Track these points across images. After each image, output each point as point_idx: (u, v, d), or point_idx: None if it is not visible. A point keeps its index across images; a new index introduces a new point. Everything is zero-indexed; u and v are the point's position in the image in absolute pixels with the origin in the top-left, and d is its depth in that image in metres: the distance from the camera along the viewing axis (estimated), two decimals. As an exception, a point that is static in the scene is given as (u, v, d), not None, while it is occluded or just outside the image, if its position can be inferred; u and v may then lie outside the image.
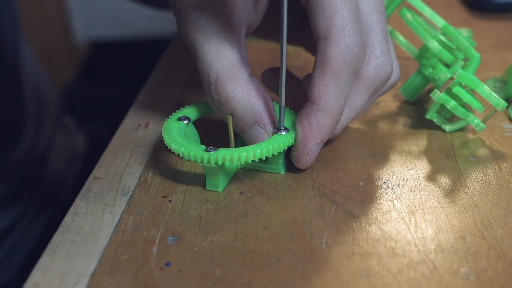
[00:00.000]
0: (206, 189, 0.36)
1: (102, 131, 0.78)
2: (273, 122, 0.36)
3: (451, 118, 0.43)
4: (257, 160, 0.35)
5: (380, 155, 0.39)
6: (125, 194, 0.36)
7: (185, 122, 0.38)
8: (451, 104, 0.39)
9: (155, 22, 1.55)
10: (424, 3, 0.44)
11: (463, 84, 0.40)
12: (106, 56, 1.57)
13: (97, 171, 0.38)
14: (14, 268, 0.59)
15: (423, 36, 0.42)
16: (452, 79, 0.39)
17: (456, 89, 0.39)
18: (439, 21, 0.43)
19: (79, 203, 0.35)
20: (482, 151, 0.40)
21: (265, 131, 0.36)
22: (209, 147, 0.35)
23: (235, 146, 0.36)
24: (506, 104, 0.39)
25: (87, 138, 0.77)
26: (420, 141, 0.41)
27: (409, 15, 0.43)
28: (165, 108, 0.46)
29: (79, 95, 1.03)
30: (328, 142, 0.40)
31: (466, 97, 0.39)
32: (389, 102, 0.46)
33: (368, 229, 0.33)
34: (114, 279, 0.30)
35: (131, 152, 0.40)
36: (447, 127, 0.41)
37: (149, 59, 0.70)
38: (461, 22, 0.60)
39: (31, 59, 0.64)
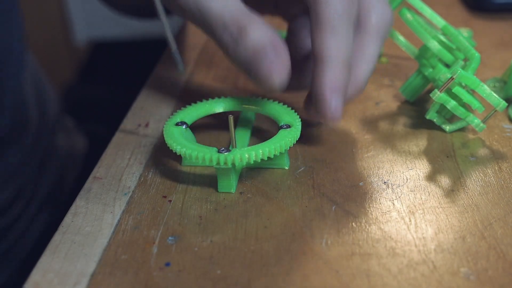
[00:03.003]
0: (218, 191, 0.36)
1: (102, 131, 0.77)
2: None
3: (451, 118, 0.42)
4: (272, 157, 0.35)
5: (380, 155, 0.39)
6: (125, 194, 0.36)
7: (183, 127, 0.38)
8: (451, 104, 0.39)
9: (155, 22, 1.55)
10: (424, 3, 0.44)
11: (463, 84, 0.40)
12: (106, 56, 1.57)
13: (97, 171, 0.38)
14: (12, 267, 0.59)
15: (423, 36, 0.42)
16: (452, 79, 0.39)
17: (456, 89, 0.39)
18: (439, 21, 0.43)
19: (79, 203, 0.35)
20: (482, 151, 0.40)
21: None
22: (221, 148, 0.34)
23: (231, 145, 0.37)
24: (506, 104, 0.39)
25: (87, 138, 0.76)
26: (420, 141, 0.41)
27: (409, 15, 0.43)
28: (165, 108, 0.46)
29: (79, 95, 1.03)
30: (328, 142, 0.40)
31: (466, 97, 0.39)
32: (389, 102, 0.46)
33: (368, 229, 0.33)
34: (114, 279, 0.30)
35: (131, 152, 0.40)
36: (447, 127, 0.41)
37: (149, 59, 0.69)
38: (461, 22, 0.60)
39: (32, 61, 0.64)
